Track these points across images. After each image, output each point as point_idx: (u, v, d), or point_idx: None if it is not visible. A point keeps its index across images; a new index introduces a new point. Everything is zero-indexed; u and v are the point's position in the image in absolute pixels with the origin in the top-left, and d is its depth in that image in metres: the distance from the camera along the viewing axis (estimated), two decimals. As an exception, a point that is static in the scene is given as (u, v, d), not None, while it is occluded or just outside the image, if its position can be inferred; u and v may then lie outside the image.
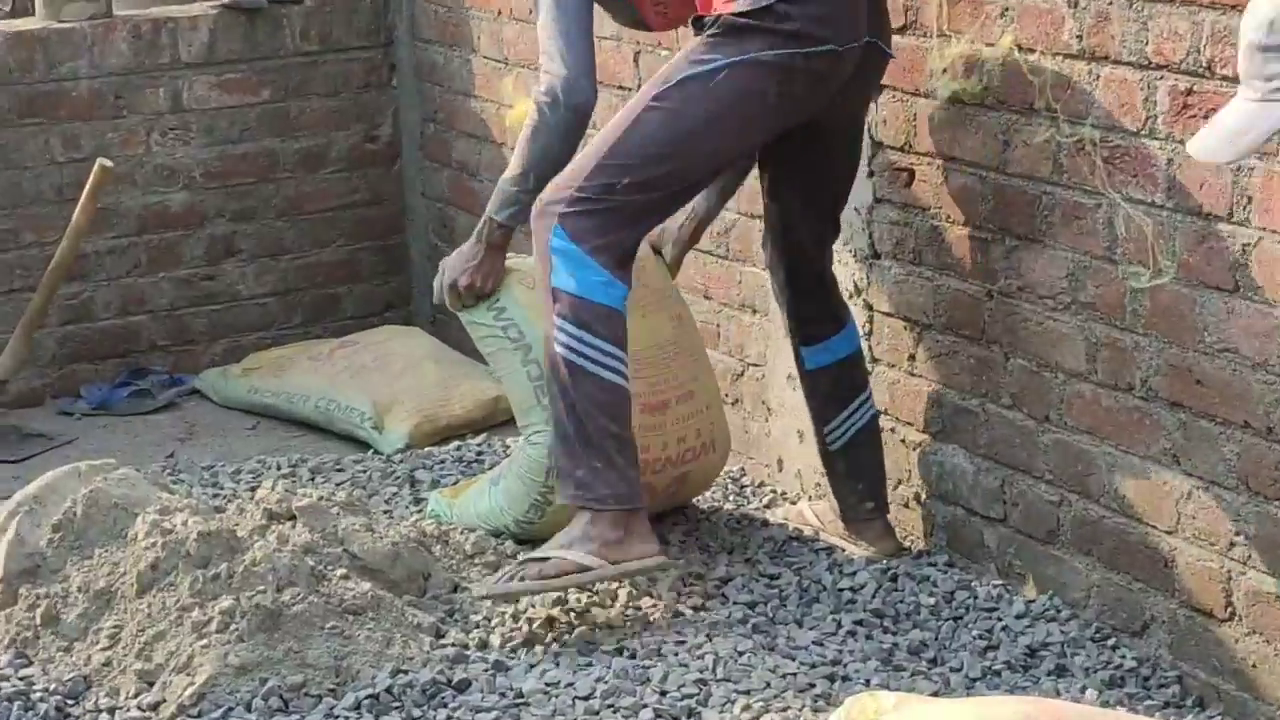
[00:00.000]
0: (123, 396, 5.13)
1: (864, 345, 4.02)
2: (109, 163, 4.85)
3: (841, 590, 3.68)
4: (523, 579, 3.52)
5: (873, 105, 3.90)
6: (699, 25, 3.57)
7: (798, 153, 3.76)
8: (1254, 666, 3.15)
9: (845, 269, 4.01)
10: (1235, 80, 2.99)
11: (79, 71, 5.20)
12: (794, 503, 4.27)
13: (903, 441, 3.96)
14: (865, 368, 3.97)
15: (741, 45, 3.47)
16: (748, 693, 3.17)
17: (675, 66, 3.57)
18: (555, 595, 3.55)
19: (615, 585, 3.58)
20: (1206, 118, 3.07)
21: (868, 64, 3.63)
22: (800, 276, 3.90)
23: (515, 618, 3.53)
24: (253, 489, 4.08)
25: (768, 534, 3.97)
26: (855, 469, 3.94)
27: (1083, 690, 3.24)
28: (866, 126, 3.91)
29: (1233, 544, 3.15)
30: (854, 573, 3.75)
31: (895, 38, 3.76)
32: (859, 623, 3.53)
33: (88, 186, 4.80)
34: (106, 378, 5.09)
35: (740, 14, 3.47)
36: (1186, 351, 3.19)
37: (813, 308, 3.90)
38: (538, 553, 3.58)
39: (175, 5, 5.43)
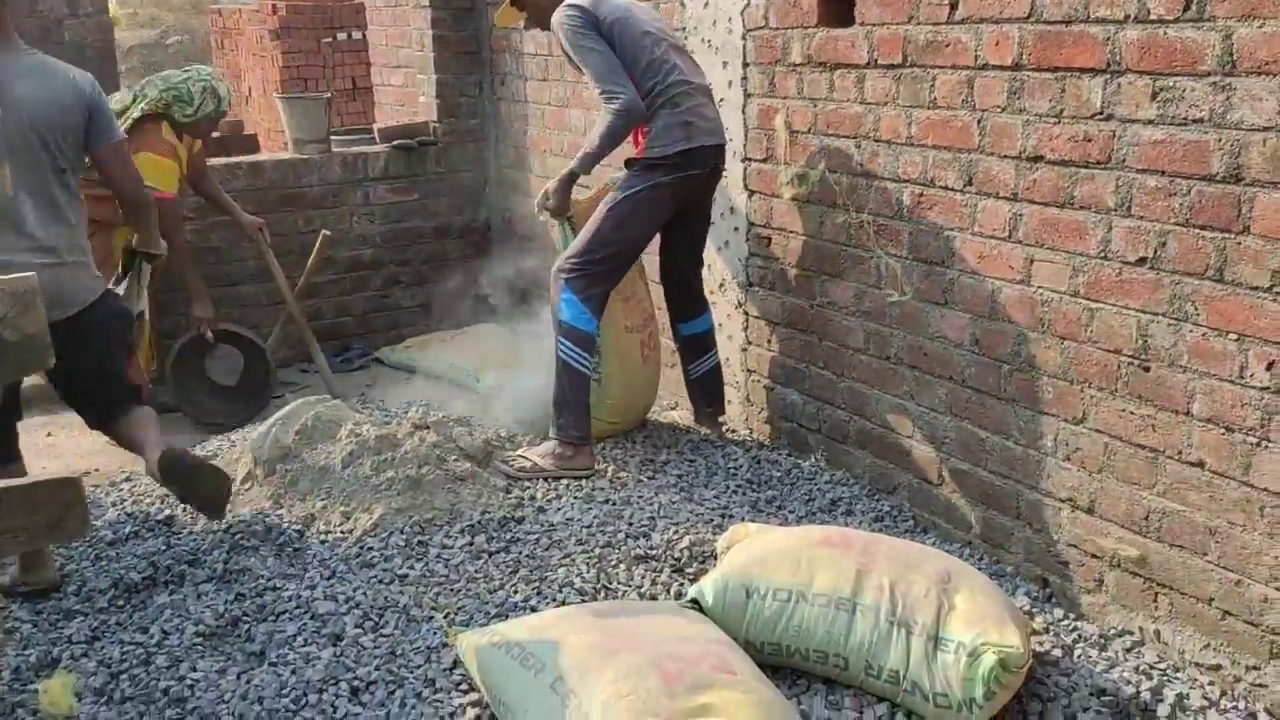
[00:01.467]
0: (337, 361, 5.10)
1: (736, 334, 3.94)
2: (329, 233, 4.84)
3: (729, 468, 3.65)
4: (512, 466, 3.58)
5: (745, 200, 3.78)
6: (629, 165, 3.57)
7: (675, 223, 3.70)
8: (953, 508, 3.17)
9: (732, 293, 3.94)
10: (952, 188, 3.00)
11: (313, 181, 5.17)
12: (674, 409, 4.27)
13: (764, 388, 3.87)
14: (713, 338, 3.90)
15: (651, 176, 3.50)
16: (677, 524, 3.17)
17: (619, 189, 3.56)
18: (569, 473, 3.54)
19: (566, 478, 3.53)
20: (931, 207, 3.08)
21: (713, 176, 3.64)
22: (676, 287, 3.86)
23: (549, 482, 3.50)
24: (406, 412, 4.08)
25: (687, 437, 3.95)
26: (702, 389, 3.93)
27: (859, 524, 3.24)
28: (745, 214, 3.79)
29: (943, 442, 3.16)
30: (737, 458, 3.72)
31: (759, 164, 3.69)
32: (738, 486, 3.52)
33: (316, 247, 4.78)
34: (329, 351, 5.06)
35: (650, 159, 3.49)
36: (919, 338, 3.18)
37: (684, 304, 3.86)
38: (525, 453, 3.62)
39: (366, 146, 5.40)
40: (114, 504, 3.53)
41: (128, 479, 3.76)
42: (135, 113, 4.06)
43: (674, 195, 3.55)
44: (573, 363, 3.56)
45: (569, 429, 3.56)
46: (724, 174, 3.70)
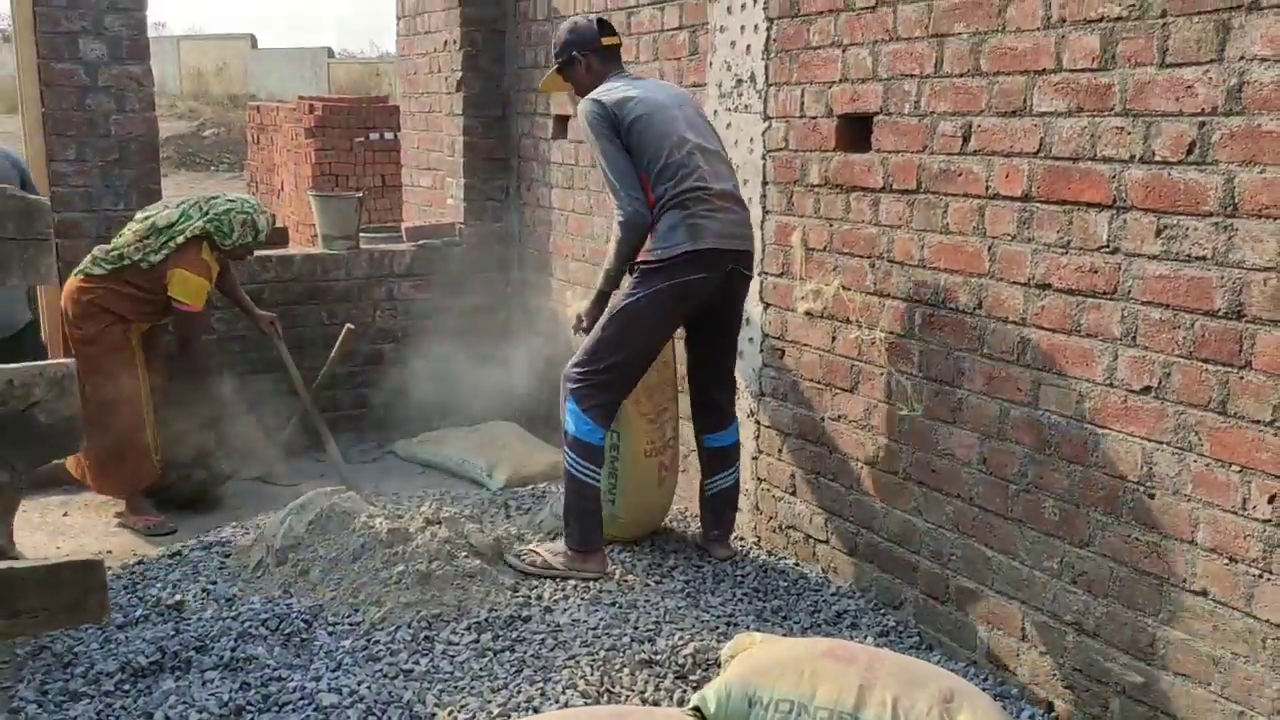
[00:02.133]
0: (353, 453, 5.10)
1: (747, 442, 3.94)
2: (353, 326, 4.93)
3: (736, 575, 3.64)
4: (522, 560, 3.58)
5: (761, 313, 3.84)
6: (631, 270, 3.49)
7: (696, 333, 3.67)
8: (959, 626, 3.17)
9: (745, 402, 3.97)
10: (962, 310, 3.06)
11: (339, 276, 5.24)
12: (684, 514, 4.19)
13: (774, 497, 3.89)
14: (736, 454, 3.77)
15: (651, 282, 3.41)
16: (682, 630, 3.16)
17: (619, 297, 3.49)
18: (578, 575, 3.52)
19: (574, 580, 3.50)
20: (941, 328, 3.15)
21: (733, 281, 3.50)
22: (700, 398, 3.75)
23: (556, 582, 3.49)
24: (419, 506, 4.09)
25: (696, 542, 3.94)
26: (713, 510, 3.80)
27: (865, 639, 3.23)
28: (760, 326, 3.86)
29: (950, 559, 3.17)
30: (744, 566, 3.72)
31: (775, 279, 3.77)
32: (745, 594, 3.51)
33: (339, 339, 4.87)
34: (343, 443, 5.09)
35: (648, 263, 3.42)
36: (928, 454, 3.21)
37: (708, 417, 3.74)
38: (537, 548, 3.61)
39: (392, 244, 5.52)
40: (125, 587, 3.55)
41: (140, 562, 3.79)
42: (179, 238, 4.22)
43: (678, 302, 3.44)
44: (579, 475, 3.51)
45: (575, 538, 3.54)
46: (747, 285, 3.60)
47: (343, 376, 5.21)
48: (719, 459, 3.76)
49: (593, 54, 3.65)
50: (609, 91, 3.50)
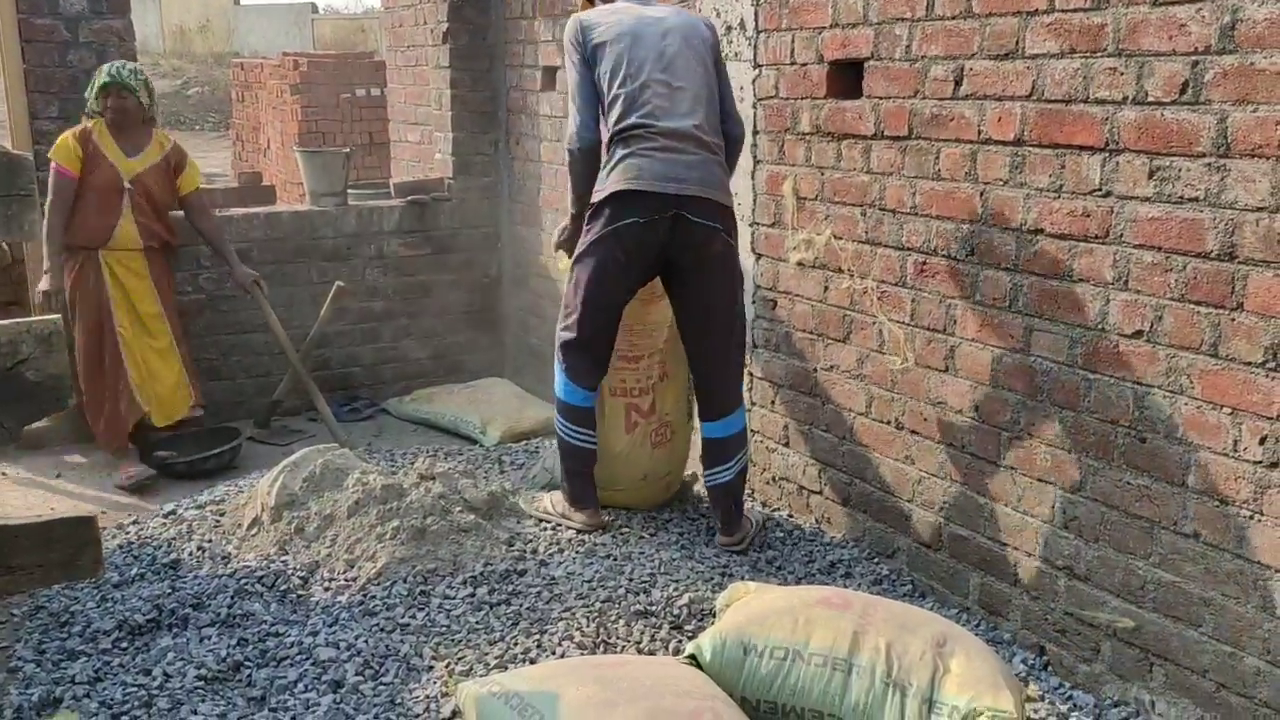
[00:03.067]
0: (344, 411, 5.13)
1: (745, 415, 3.89)
2: (343, 284, 4.91)
3: (731, 528, 3.68)
4: (534, 505, 3.66)
5: (753, 264, 3.80)
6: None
7: (674, 298, 3.45)
8: (951, 573, 3.19)
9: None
10: (954, 257, 3.05)
11: (327, 233, 5.21)
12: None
13: (767, 449, 3.90)
14: (732, 448, 3.44)
15: (592, 226, 3.30)
16: (677, 581, 3.18)
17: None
18: (576, 526, 3.55)
19: (569, 525, 3.55)
20: (934, 275, 3.15)
21: (688, 233, 3.24)
22: (695, 381, 3.54)
23: (552, 532, 3.51)
24: (413, 463, 4.11)
25: (691, 495, 3.97)
26: (713, 505, 3.55)
27: (858, 587, 3.26)
28: (752, 277, 3.80)
29: (942, 507, 3.19)
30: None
31: (767, 229, 3.75)
32: (739, 545, 3.56)
33: (329, 297, 4.84)
34: (336, 401, 5.10)
35: (592, 205, 3.30)
36: (920, 404, 3.22)
37: (701, 399, 3.52)
38: (545, 496, 3.69)
39: (381, 200, 5.49)
40: (120, 546, 3.57)
41: (134, 521, 3.80)
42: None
43: (618, 248, 3.26)
44: (563, 435, 3.53)
45: (567, 494, 3.59)
46: (724, 238, 3.31)
47: (333, 335, 5.20)
48: (713, 450, 3.47)
49: None
50: (596, 11, 3.40)
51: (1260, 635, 2.36)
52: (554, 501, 3.64)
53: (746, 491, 3.99)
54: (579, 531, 3.53)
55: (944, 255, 3.06)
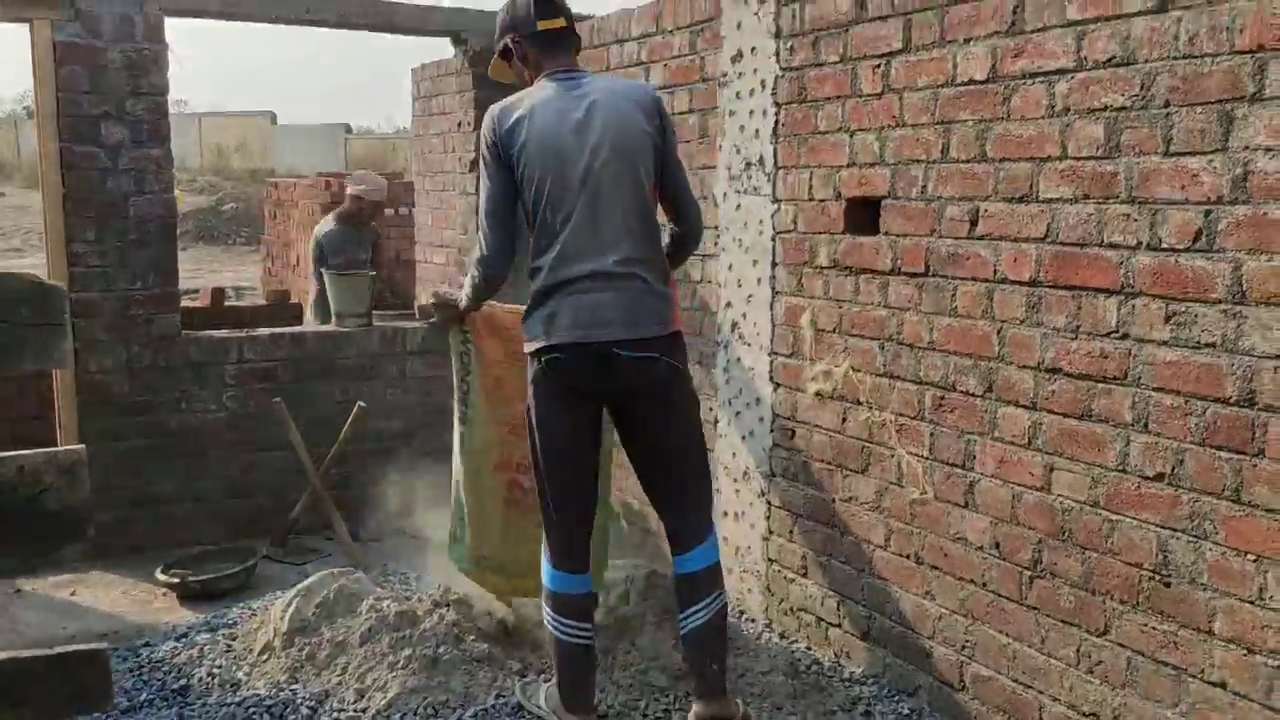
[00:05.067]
0: (359, 533, 5.08)
1: (759, 523, 3.87)
2: (364, 405, 4.93)
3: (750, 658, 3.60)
4: (529, 700, 3.17)
5: (771, 393, 3.81)
6: None
7: (621, 423, 3.09)
8: (974, 716, 3.10)
9: (755, 482, 3.94)
10: (972, 393, 3.05)
11: (369, 352, 5.26)
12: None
13: (785, 579, 3.84)
14: (705, 587, 3.00)
15: (529, 370, 3.00)
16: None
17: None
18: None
19: None
20: (952, 410, 3.14)
21: (617, 366, 2.88)
22: (661, 518, 3.14)
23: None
24: (428, 588, 4.06)
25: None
26: (688, 658, 3.08)
27: (879, 726, 3.19)
28: (771, 406, 3.81)
29: (964, 645, 3.12)
30: (757, 652, 3.62)
31: (785, 359, 3.75)
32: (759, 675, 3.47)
33: (351, 417, 4.87)
34: (352, 522, 5.00)
35: (527, 350, 3.01)
36: (940, 538, 3.18)
37: (668, 532, 3.10)
38: (542, 689, 3.18)
39: (405, 322, 5.54)
40: (130, 670, 3.52)
41: (145, 644, 3.76)
42: None
43: (560, 387, 2.93)
44: (548, 626, 3.04)
45: (559, 691, 3.07)
46: (666, 364, 2.95)
47: (354, 454, 5.20)
48: (685, 589, 3.02)
49: (527, 40, 3.05)
50: (516, 102, 2.97)
51: (1295, 793, 2.28)
52: (548, 698, 3.13)
53: (764, 621, 3.94)
54: None
55: (962, 391, 3.06)
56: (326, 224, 6.67)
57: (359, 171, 6.68)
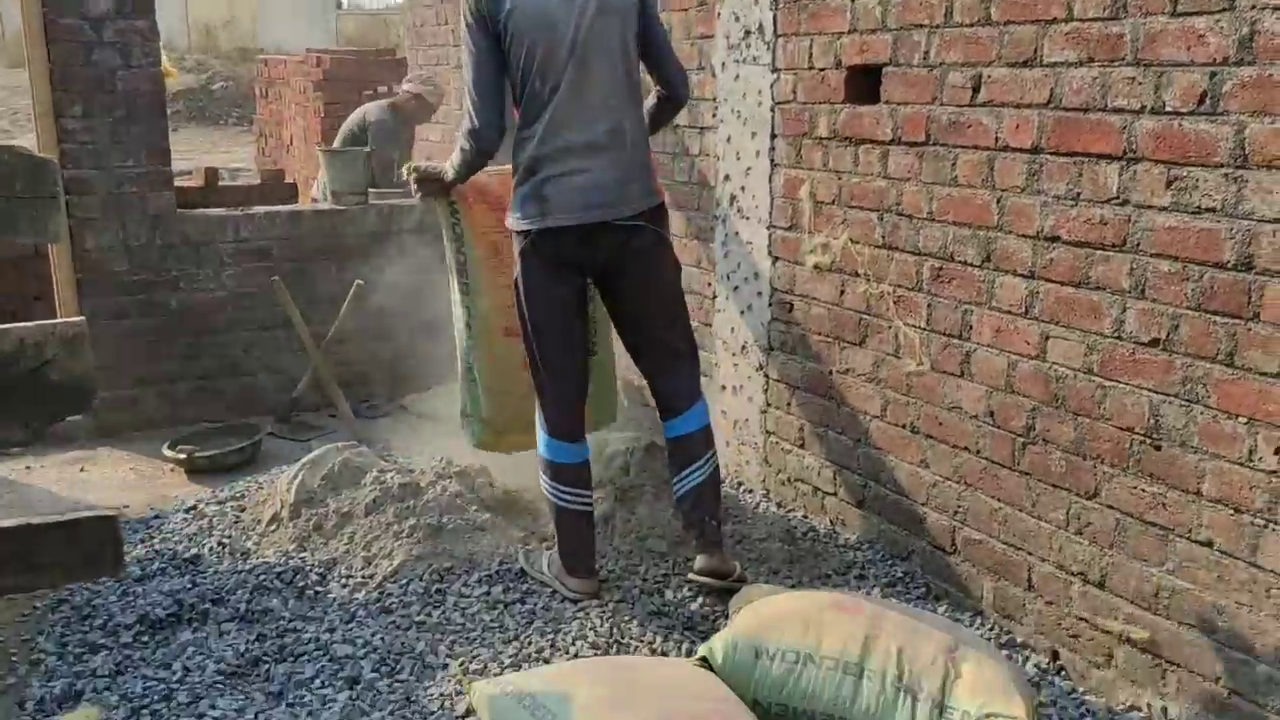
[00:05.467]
0: (362, 408, 5.14)
1: (756, 395, 3.92)
2: (362, 281, 4.93)
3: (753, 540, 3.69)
4: (530, 564, 3.24)
5: (769, 266, 3.80)
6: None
7: (606, 293, 3.16)
8: (965, 577, 3.19)
9: (754, 356, 3.97)
10: (970, 263, 3.05)
11: (349, 231, 5.22)
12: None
13: (783, 450, 3.90)
14: (699, 447, 3.11)
15: (518, 248, 3.04)
16: (691, 582, 3.19)
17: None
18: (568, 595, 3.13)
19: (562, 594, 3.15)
20: (950, 281, 3.14)
21: (605, 236, 2.96)
22: (648, 379, 3.23)
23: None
24: (430, 460, 4.12)
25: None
26: (685, 519, 3.18)
27: (872, 589, 3.26)
28: (769, 280, 3.81)
29: (957, 511, 3.19)
30: (754, 519, 3.72)
31: (784, 232, 3.74)
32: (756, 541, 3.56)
33: (349, 295, 4.87)
34: (353, 398, 5.08)
35: (513, 229, 3.04)
36: (935, 408, 3.22)
37: (657, 397, 3.19)
38: (544, 555, 3.25)
39: (403, 200, 5.49)
40: (142, 540, 3.60)
41: (156, 516, 3.84)
42: None
43: (551, 265, 2.99)
44: (546, 493, 3.13)
45: (558, 557, 3.16)
46: (651, 232, 3.04)
47: (353, 332, 5.21)
48: (678, 452, 3.13)
49: None
50: None
51: (1273, 642, 2.35)
52: (550, 563, 3.20)
53: (762, 491, 4.02)
54: (573, 601, 3.11)
55: (960, 261, 3.06)
56: (380, 110, 6.12)
57: (420, 72, 6.24)
